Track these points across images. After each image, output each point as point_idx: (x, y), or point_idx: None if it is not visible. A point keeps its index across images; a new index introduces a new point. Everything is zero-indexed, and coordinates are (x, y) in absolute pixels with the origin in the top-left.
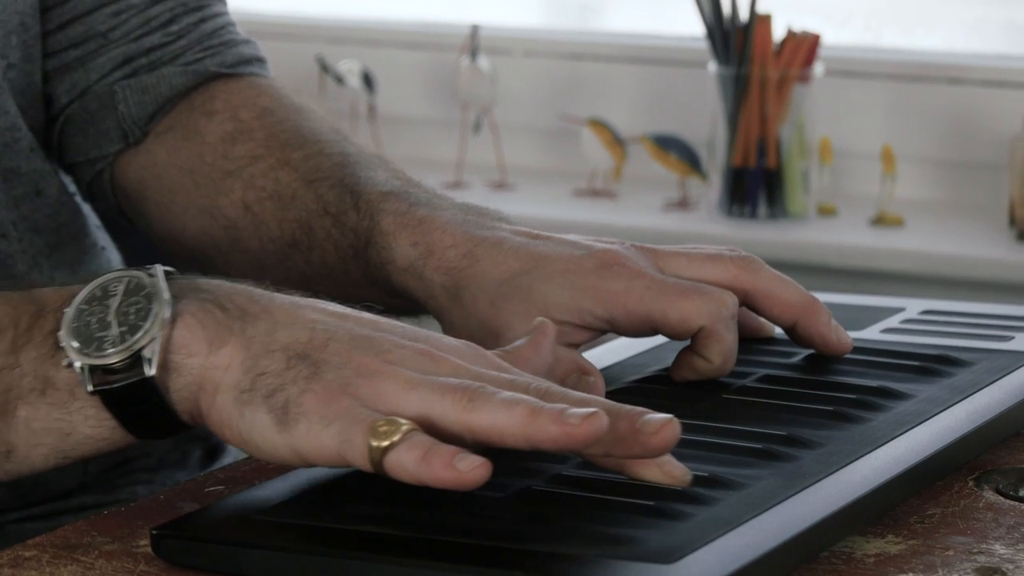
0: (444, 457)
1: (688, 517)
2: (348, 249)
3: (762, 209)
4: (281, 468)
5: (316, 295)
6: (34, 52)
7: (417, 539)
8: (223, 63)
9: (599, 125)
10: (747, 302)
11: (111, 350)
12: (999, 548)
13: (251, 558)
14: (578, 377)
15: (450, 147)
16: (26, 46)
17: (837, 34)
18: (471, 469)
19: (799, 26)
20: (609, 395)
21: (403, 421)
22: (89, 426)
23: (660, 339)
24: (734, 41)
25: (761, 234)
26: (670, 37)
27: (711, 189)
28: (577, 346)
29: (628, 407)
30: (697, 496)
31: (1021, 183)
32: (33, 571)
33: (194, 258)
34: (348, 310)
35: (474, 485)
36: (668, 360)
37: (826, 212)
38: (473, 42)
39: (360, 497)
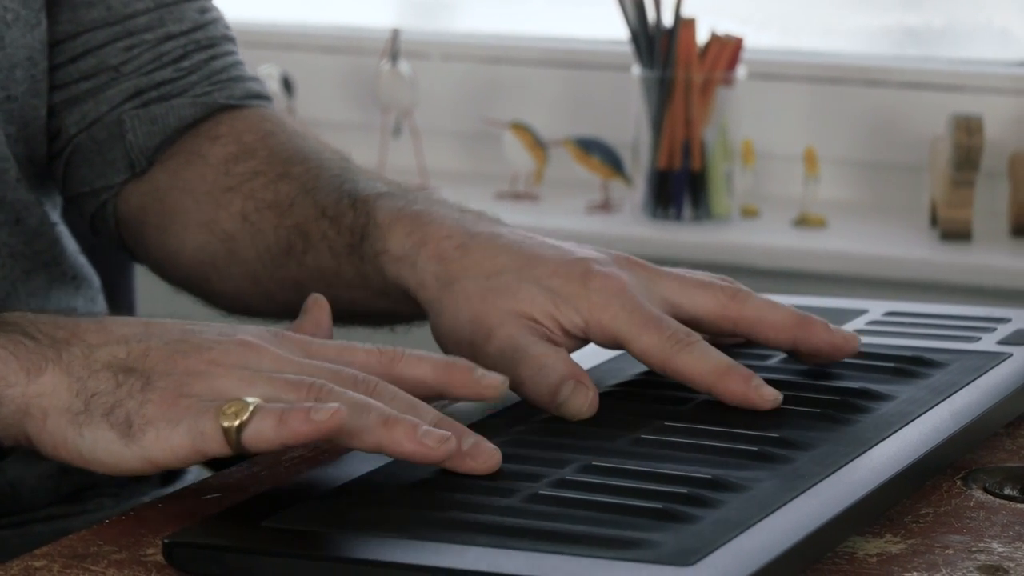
0: (300, 414)
1: (696, 520)
2: (343, 248)
3: (686, 211)
4: (280, 475)
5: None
6: (40, 87)
7: (429, 544)
8: (231, 96)
9: (520, 128)
10: (738, 331)
11: None
12: (997, 546)
13: (266, 565)
14: (573, 387)
15: (370, 151)
16: (33, 80)
17: (757, 38)
18: (328, 416)
19: (717, 29)
20: None
21: (249, 399)
22: None
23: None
24: (659, 45)
25: (685, 236)
26: (591, 41)
27: (635, 192)
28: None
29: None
30: (703, 499)
31: (942, 184)
32: None
33: (190, 278)
34: (150, 320)
35: (333, 432)
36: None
37: (749, 214)
38: (393, 46)
39: (368, 502)
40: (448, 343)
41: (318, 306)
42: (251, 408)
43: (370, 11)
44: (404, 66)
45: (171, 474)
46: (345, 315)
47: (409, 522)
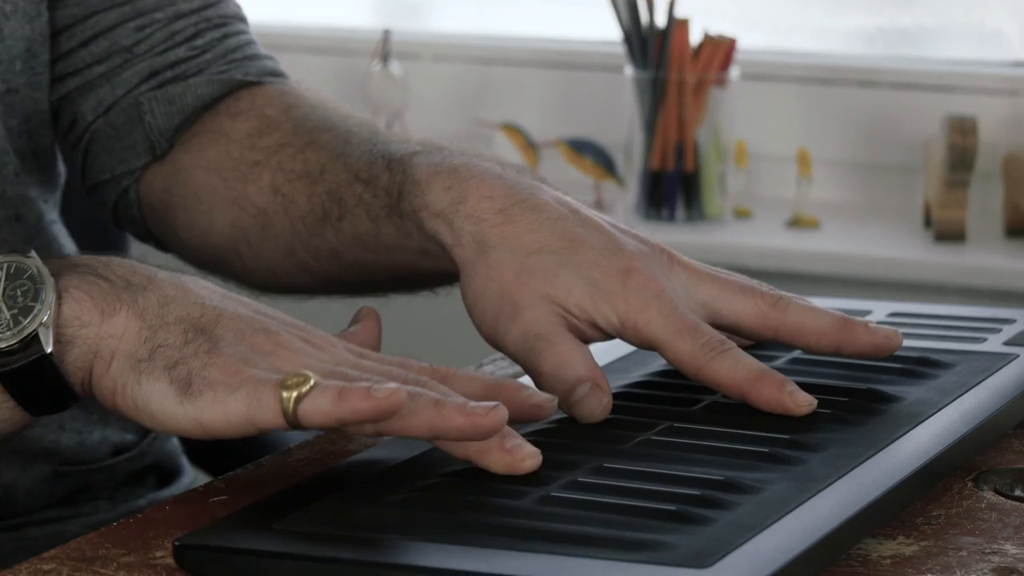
0: (360, 391)
1: (710, 521)
2: (381, 210)
3: (679, 212)
4: (288, 477)
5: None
6: (41, 79)
7: (441, 546)
8: (248, 73)
9: (512, 129)
10: (778, 339)
11: (5, 333)
12: (1010, 548)
13: (278, 568)
14: (589, 388)
15: None
16: (33, 72)
17: (747, 38)
18: (388, 395)
19: (709, 30)
20: None
21: (311, 374)
22: None
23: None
24: (652, 45)
25: (679, 237)
26: (583, 41)
27: (628, 193)
28: (587, 343)
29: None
30: (716, 500)
31: (936, 185)
32: None
33: (222, 257)
34: (227, 291)
35: (392, 411)
36: (650, 364)
37: (742, 215)
38: (385, 47)
39: (379, 505)
40: (474, 310)
41: (371, 318)
42: (312, 382)
43: (344, 11)
44: (395, 67)
45: (167, 477)
46: (385, 280)
47: (420, 524)
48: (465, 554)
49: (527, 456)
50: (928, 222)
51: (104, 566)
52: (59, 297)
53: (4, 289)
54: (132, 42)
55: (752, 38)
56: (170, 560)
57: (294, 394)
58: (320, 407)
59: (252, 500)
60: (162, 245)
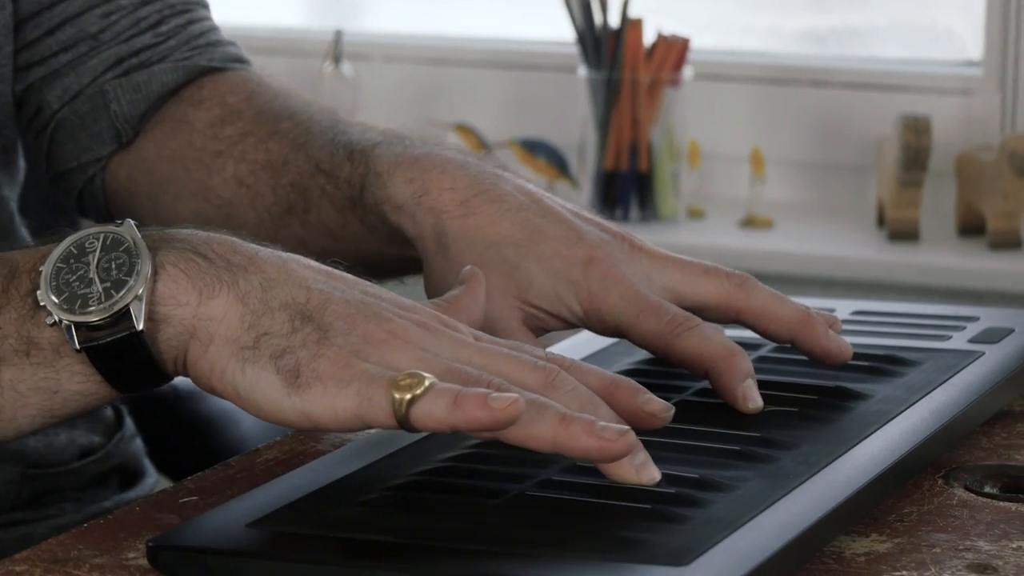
0: (477, 399)
1: (686, 519)
2: (345, 201)
3: (633, 212)
4: (257, 477)
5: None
6: (5, 72)
7: (416, 548)
8: (212, 59)
9: (465, 130)
10: (740, 321)
11: (96, 307)
12: (983, 545)
13: (252, 568)
14: None
15: None
16: None
17: (700, 38)
18: (507, 405)
19: (662, 30)
20: None
21: (426, 374)
22: (76, 382)
23: (606, 341)
24: (605, 46)
25: None
26: (536, 42)
27: (581, 193)
28: (546, 332)
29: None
30: (691, 498)
31: (890, 184)
32: None
33: None
34: (329, 267)
35: (509, 422)
36: (616, 363)
37: (695, 215)
38: (336, 48)
39: (353, 505)
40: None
41: (476, 279)
42: (427, 383)
43: (282, 11)
44: (347, 68)
45: (130, 479)
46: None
47: (394, 525)
48: (440, 555)
49: (655, 478)
50: (881, 221)
51: (77, 567)
52: (155, 273)
53: (99, 261)
54: (98, 29)
55: (705, 38)
56: (143, 561)
57: (407, 396)
58: (433, 412)
59: (222, 501)
60: None
